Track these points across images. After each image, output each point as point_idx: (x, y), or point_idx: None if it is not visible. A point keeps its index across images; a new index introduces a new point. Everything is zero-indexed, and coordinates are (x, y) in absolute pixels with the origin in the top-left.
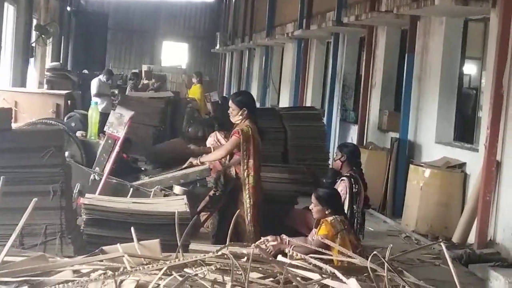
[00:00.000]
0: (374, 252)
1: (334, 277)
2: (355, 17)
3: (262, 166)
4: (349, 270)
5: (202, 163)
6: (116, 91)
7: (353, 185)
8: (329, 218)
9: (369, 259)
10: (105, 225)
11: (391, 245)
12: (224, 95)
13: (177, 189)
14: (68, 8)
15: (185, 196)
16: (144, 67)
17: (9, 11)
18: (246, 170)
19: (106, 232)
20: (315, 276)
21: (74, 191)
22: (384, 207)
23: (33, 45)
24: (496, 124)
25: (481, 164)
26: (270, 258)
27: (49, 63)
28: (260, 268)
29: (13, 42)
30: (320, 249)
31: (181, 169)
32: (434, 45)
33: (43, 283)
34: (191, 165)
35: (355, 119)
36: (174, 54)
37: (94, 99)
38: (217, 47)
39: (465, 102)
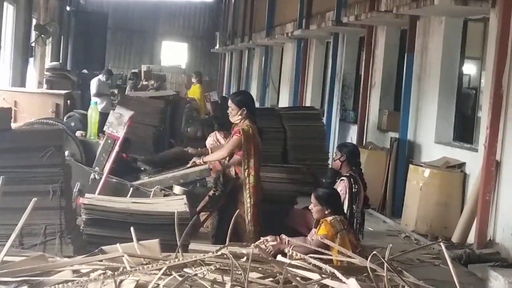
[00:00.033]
0: (374, 252)
1: (333, 277)
2: (355, 17)
3: (262, 166)
4: (349, 270)
5: (206, 163)
6: (116, 91)
7: (353, 185)
8: (329, 218)
9: (369, 259)
10: (104, 225)
11: (390, 245)
12: (224, 95)
13: (177, 189)
14: (68, 8)
15: (184, 196)
16: (144, 68)
17: (9, 10)
18: (247, 170)
19: (105, 232)
20: (315, 276)
21: (74, 190)
22: (384, 207)
23: (33, 44)
24: (496, 124)
25: (480, 164)
26: (270, 258)
27: (48, 63)
28: (260, 268)
29: (12, 42)
30: (319, 249)
31: (185, 169)
32: (433, 45)
33: (42, 283)
34: (195, 165)
35: (354, 119)
36: (174, 54)
37: (94, 99)
38: (217, 47)
39: (464, 102)
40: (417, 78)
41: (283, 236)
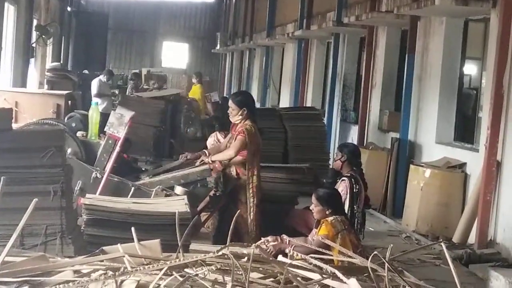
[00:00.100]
0: (375, 252)
1: (334, 277)
2: (356, 17)
3: (262, 166)
4: (350, 270)
5: (214, 162)
6: (117, 91)
7: (354, 185)
8: (330, 218)
9: (370, 259)
10: (105, 225)
11: (391, 245)
12: (225, 95)
13: (178, 189)
14: (69, 8)
15: (185, 196)
16: (144, 71)
17: (10, 11)
18: (251, 170)
19: (106, 232)
20: (316, 276)
21: (76, 189)
22: (385, 207)
23: (34, 45)
24: (497, 124)
25: (481, 164)
26: (271, 258)
27: (49, 64)
28: (261, 268)
29: (13, 43)
30: (320, 249)
31: (194, 167)
32: (434, 45)
33: (43, 283)
34: (203, 163)
35: (355, 119)
36: (175, 54)
37: (95, 99)
38: (218, 47)
39: (465, 102)
40: (418, 78)
41: (284, 236)
